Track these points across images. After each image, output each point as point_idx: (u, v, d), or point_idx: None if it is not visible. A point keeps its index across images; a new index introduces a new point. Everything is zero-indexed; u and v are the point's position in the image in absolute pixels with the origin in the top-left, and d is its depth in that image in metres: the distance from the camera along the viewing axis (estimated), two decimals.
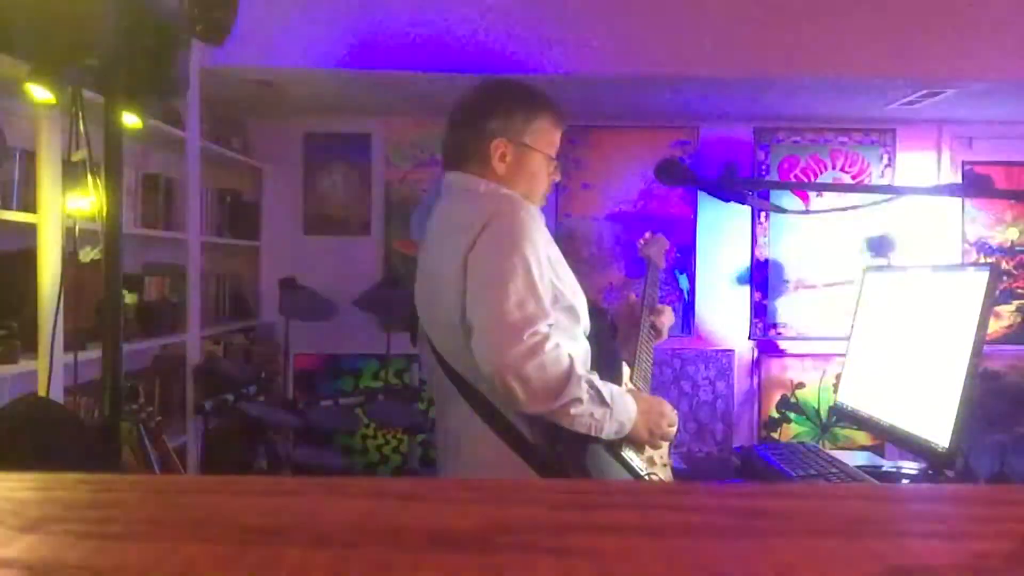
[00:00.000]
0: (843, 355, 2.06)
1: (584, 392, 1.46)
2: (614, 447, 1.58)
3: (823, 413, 4.44)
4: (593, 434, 1.49)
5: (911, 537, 0.37)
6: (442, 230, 1.65)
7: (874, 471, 1.80)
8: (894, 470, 1.85)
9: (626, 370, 1.80)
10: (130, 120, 1.71)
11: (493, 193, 1.63)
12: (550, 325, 1.48)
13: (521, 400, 1.43)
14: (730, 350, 4.60)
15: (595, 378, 1.51)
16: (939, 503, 0.44)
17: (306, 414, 4.12)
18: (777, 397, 4.48)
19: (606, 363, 1.69)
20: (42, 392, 2.09)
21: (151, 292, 3.43)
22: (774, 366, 4.59)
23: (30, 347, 2.39)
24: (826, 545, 0.35)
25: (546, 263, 1.53)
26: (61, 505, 0.41)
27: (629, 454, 1.61)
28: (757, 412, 4.58)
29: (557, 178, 1.76)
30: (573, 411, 1.45)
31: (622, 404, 1.55)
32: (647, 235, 2.29)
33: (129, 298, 3.12)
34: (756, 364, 4.60)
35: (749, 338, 4.60)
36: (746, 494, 0.45)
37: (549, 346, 1.43)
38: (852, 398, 1.94)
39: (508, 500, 0.42)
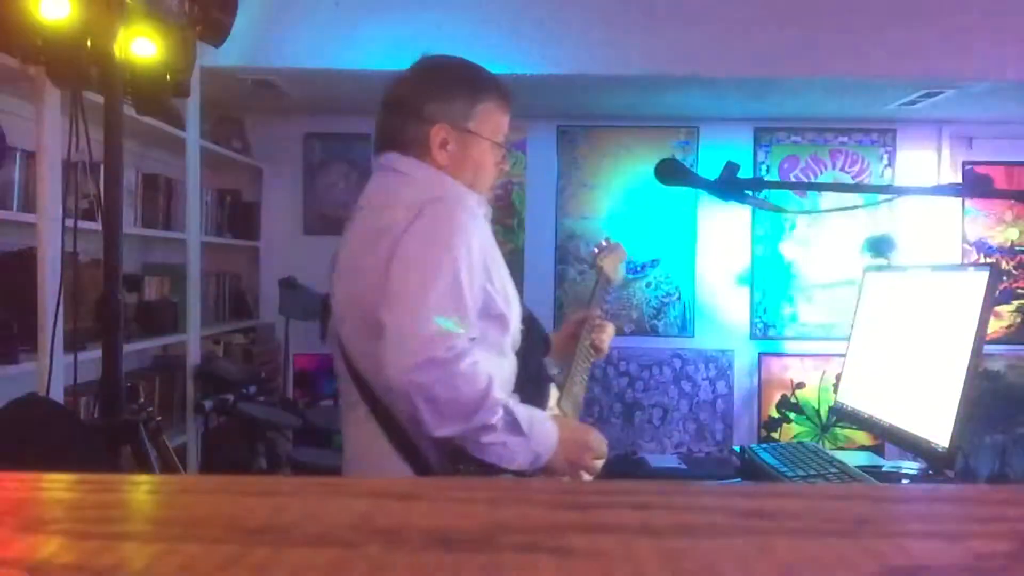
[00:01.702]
0: (843, 355, 2.06)
1: (498, 418, 1.29)
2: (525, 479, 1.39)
3: (823, 413, 4.44)
4: (503, 465, 1.32)
5: (911, 537, 0.37)
6: (369, 215, 1.47)
7: (874, 471, 1.80)
8: (894, 470, 1.85)
9: (554, 392, 1.63)
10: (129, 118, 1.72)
11: (431, 179, 1.47)
12: (472, 339, 1.32)
13: (426, 421, 1.27)
14: (730, 350, 4.60)
15: (513, 402, 1.35)
16: (939, 503, 0.44)
17: (306, 414, 4.12)
18: (777, 397, 4.48)
19: (532, 383, 1.52)
20: (42, 392, 2.09)
21: (151, 292, 3.43)
22: (774, 366, 4.59)
23: (30, 347, 2.39)
24: (826, 545, 0.35)
25: (479, 267, 1.37)
26: (61, 505, 0.41)
27: None
28: (757, 412, 4.58)
29: (506, 167, 1.60)
30: (484, 439, 1.29)
31: (541, 433, 1.37)
32: (603, 242, 2.05)
33: (129, 298, 3.12)
34: (756, 364, 4.60)
35: (749, 338, 4.60)
36: (746, 494, 0.45)
37: (465, 363, 1.27)
38: (852, 398, 1.94)
39: (508, 500, 0.42)
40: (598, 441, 1.51)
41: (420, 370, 1.25)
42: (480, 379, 1.29)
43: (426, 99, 1.49)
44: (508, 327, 1.46)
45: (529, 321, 1.56)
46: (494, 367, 1.38)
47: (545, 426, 1.40)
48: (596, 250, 2.05)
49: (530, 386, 1.51)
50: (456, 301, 1.31)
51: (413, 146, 1.49)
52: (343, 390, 1.50)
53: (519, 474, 1.37)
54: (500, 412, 1.30)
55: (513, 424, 1.32)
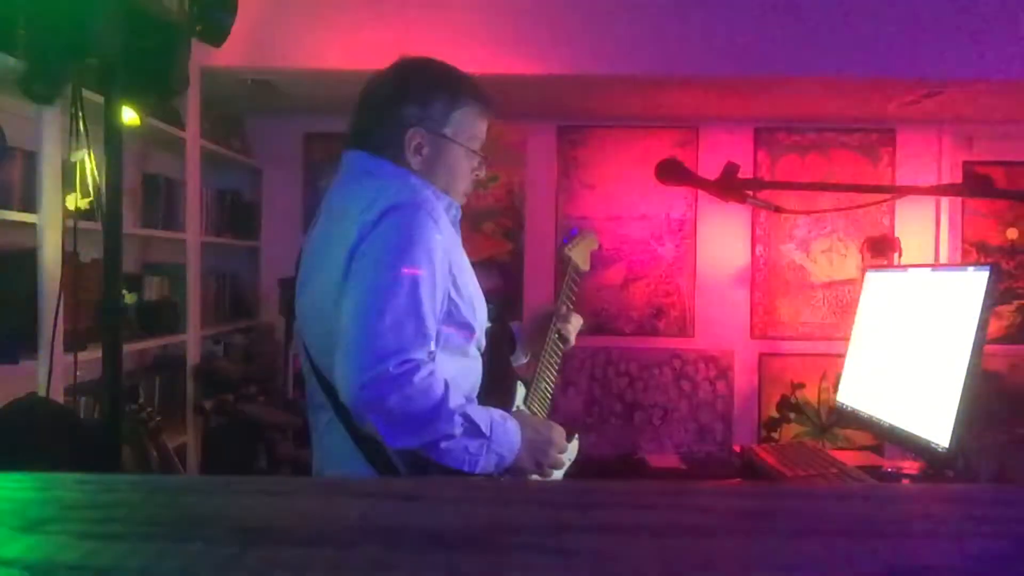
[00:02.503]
0: (843, 355, 2.06)
1: (456, 426, 1.28)
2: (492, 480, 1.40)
3: (823, 413, 4.44)
4: (467, 469, 1.31)
5: (911, 537, 0.37)
6: (335, 215, 1.44)
7: (874, 471, 1.80)
8: (894, 470, 1.85)
9: (521, 390, 1.63)
10: (129, 118, 1.71)
11: (399, 180, 1.43)
12: (431, 352, 1.31)
13: (383, 434, 1.27)
14: (730, 350, 4.60)
15: (472, 407, 1.34)
16: (939, 503, 0.44)
17: (306, 414, 4.11)
18: (777, 397, 4.47)
19: (498, 382, 1.51)
20: (42, 392, 2.09)
21: (151, 292, 3.43)
22: (774, 366, 4.58)
23: (30, 347, 2.39)
24: (826, 545, 0.35)
25: (442, 274, 1.35)
26: (61, 505, 0.41)
27: None
28: (757, 412, 4.58)
29: (481, 174, 1.56)
30: (443, 446, 1.28)
31: (502, 434, 1.36)
32: (572, 231, 2.02)
33: (129, 298, 3.12)
34: (756, 364, 4.60)
35: (749, 338, 4.60)
36: (746, 494, 0.45)
37: (419, 376, 1.25)
38: (852, 398, 1.94)
39: (508, 500, 0.42)
40: (560, 436, 1.50)
41: (372, 386, 1.24)
42: (435, 391, 1.27)
43: (404, 102, 1.46)
44: (473, 333, 1.45)
45: (495, 319, 1.55)
46: (458, 370, 1.37)
47: (507, 427, 1.38)
48: (566, 240, 2.00)
49: (496, 385, 1.50)
50: (414, 313, 1.29)
51: (386, 147, 1.47)
52: (310, 392, 1.48)
53: (487, 477, 1.35)
54: (458, 420, 1.29)
55: (473, 429, 1.31)
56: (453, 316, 1.39)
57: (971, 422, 1.45)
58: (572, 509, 0.40)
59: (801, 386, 4.49)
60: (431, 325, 1.31)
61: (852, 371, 1.99)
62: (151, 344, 3.32)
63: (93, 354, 2.19)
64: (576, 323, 1.83)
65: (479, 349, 1.49)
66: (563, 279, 1.89)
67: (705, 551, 0.34)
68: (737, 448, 2.11)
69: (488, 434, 1.33)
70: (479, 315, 1.46)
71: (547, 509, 0.40)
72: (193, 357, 3.51)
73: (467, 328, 1.43)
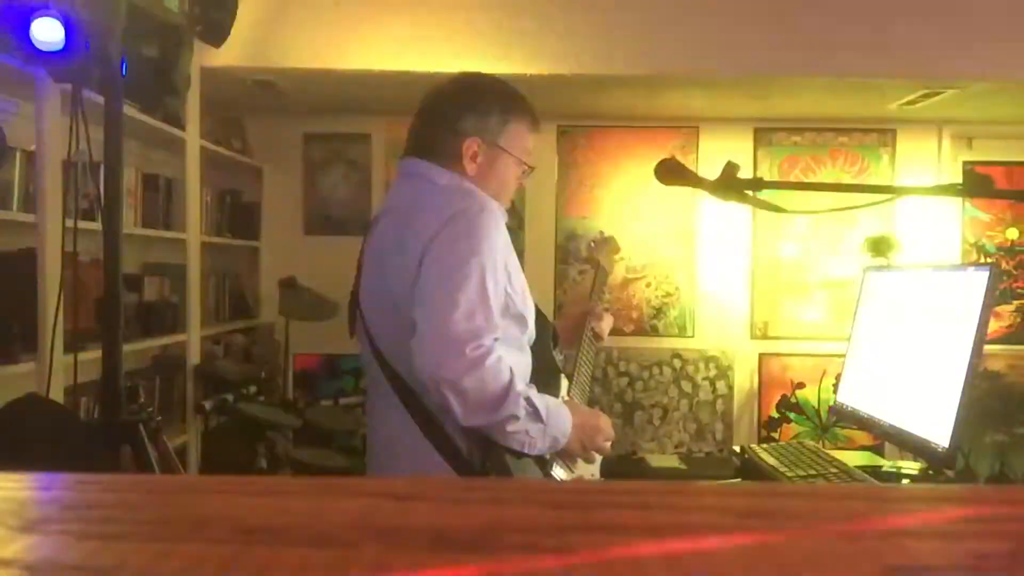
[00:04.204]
0: (843, 355, 2.06)
1: (521, 408, 1.41)
2: (544, 463, 1.54)
3: (823, 413, 4.43)
4: (526, 451, 1.45)
5: (911, 537, 0.37)
6: (400, 217, 1.56)
7: (874, 471, 1.80)
8: (894, 470, 1.85)
9: (564, 382, 1.75)
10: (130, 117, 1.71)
11: (456, 187, 1.56)
12: (496, 339, 1.42)
13: (458, 413, 1.38)
14: (730, 350, 4.60)
15: (532, 392, 1.46)
16: (939, 503, 0.44)
17: (306, 414, 4.12)
18: (777, 397, 4.47)
19: (545, 374, 1.63)
20: (42, 392, 2.09)
21: (151, 292, 3.43)
22: (774, 366, 4.58)
23: (30, 347, 2.38)
24: (826, 545, 0.35)
25: (502, 270, 1.47)
26: (61, 505, 0.41)
27: (558, 472, 1.57)
28: (757, 412, 4.58)
29: (524, 182, 1.73)
30: (509, 428, 1.41)
31: (556, 419, 1.50)
32: (598, 235, 2.21)
33: (129, 298, 3.12)
34: (756, 364, 4.60)
35: (749, 338, 4.60)
36: (746, 494, 0.45)
37: (491, 360, 1.38)
38: (852, 398, 1.94)
39: (508, 500, 0.42)
40: (607, 423, 1.64)
41: (450, 366, 1.36)
42: (504, 374, 1.39)
43: (463, 113, 1.59)
44: (526, 325, 1.56)
45: (539, 316, 1.65)
46: (514, 361, 1.47)
47: (560, 412, 1.52)
48: (592, 244, 2.19)
49: (544, 377, 1.61)
50: (483, 303, 1.41)
51: (444, 155, 1.58)
52: (372, 382, 1.59)
53: (539, 458, 1.51)
54: (522, 403, 1.41)
55: (534, 413, 1.43)
56: (509, 309, 1.50)
57: (971, 422, 1.45)
58: (572, 509, 0.40)
59: (801, 386, 4.49)
60: (497, 315, 1.44)
61: (852, 371, 1.99)
62: (151, 344, 3.32)
63: (93, 354, 2.18)
64: (608, 321, 1.99)
65: (529, 343, 1.60)
66: (592, 282, 2.06)
67: (705, 551, 0.34)
68: (737, 448, 2.11)
69: (546, 419, 1.45)
70: (529, 307, 1.58)
71: (547, 509, 0.40)
72: (193, 357, 3.51)
73: (521, 320, 1.54)
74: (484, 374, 1.37)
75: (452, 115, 1.59)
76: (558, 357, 1.78)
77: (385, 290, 1.52)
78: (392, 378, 1.51)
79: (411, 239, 1.47)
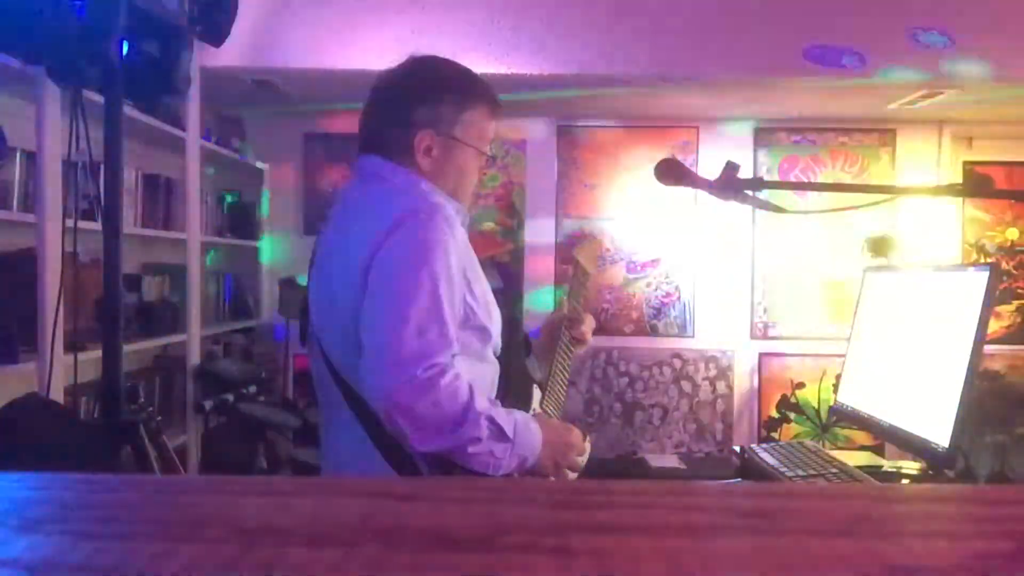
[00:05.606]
0: (843, 355, 2.06)
1: (483, 429, 1.29)
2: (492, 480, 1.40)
3: (823, 413, 4.43)
4: (491, 472, 1.31)
5: (911, 537, 0.37)
6: (348, 219, 1.45)
7: (874, 471, 1.80)
8: (894, 470, 1.85)
9: (536, 393, 1.64)
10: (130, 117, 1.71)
11: (411, 187, 1.44)
12: (454, 355, 1.31)
13: (413, 439, 1.26)
14: (730, 350, 4.59)
15: (496, 410, 1.34)
16: (939, 503, 0.44)
17: (306, 414, 4.12)
18: (777, 397, 4.47)
19: (515, 386, 1.53)
20: (42, 392, 2.09)
21: (151, 292, 3.43)
22: (774, 366, 4.58)
23: (30, 347, 2.38)
24: (826, 545, 0.35)
25: (458, 278, 1.35)
26: (61, 505, 0.41)
27: None
28: (757, 412, 4.58)
29: (486, 174, 1.57)
30: (471, 450, 1.29)
31: (524, 436, 1.36)
32: (578, 234, 2.08)
33: (129, 298, 3.12)
34: (756, 364, 4.60)
35: (749, 338, 4.60)
36: (746, 494, 0.45)
37: (446, 380, 1.26)
38: (852, 398, 1.94)
39: (508, 500, 0.42)
40: (580, 439, 1.51)
41: (400, 391, 1.24)
42: (461, 394, 1.28)
43: (413, 104, 1.46)
44: (490, 337, 1.45)
45: (509, 324, 1.55)
46: (476, 374, 1.37)
47: (529, 429, 1.39)
48: (577, 248, 2.02)
49: (513, 389, 1.51)
50: (436, 315, 1.29)
51: (396, 150, 1.46)
52: (324, 393, 1.47)
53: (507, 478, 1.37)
54: (484, 423, 1.29)
55: (498, 432, 1.32)
56: (470, 320, 1.39)
57: (971, 422, 1.45)
58: (572, 509, 0.40)
59: (801, 386, 4.49)
60: (452, 329, 1.32)
61: (852, 371, 1.99)
62: (151, 344, 3.32)
63: (93, 354, 2.18)
64: (589, 323, 1.83)
65: (495, 353, 1.49)
66: (571, 282, 1.89)
67: (705, 551, 0.34)
68: (737, 448, 2.11)
69: (512, 437, 1.33)
70: (494, 317, 1.46)
71: (547, 509, 0.40)
72: (193, 357, 3.51)
73: (484, 332, 1.43)
74: (439, 396, 1.25)
75: (402, 107, 1.46)
76: (531, 366, 1.68)
77: (331, 299, 1.41)
78: (345, 391, 1.39)
79: (354, 247, 1.35)
